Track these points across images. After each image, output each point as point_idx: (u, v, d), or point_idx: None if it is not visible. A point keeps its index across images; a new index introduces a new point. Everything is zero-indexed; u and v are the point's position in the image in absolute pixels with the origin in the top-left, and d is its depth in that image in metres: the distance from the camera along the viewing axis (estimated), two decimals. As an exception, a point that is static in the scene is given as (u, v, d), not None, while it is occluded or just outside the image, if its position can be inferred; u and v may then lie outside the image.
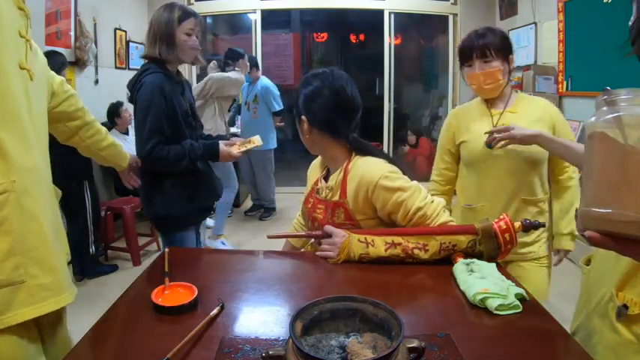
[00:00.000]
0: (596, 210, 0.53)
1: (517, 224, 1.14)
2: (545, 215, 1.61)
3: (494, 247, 1.13)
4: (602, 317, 0.82)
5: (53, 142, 3.05)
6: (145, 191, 1.79)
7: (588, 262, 0.96)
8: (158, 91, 1.61)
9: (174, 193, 1.74)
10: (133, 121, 3.80)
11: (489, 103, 1.62)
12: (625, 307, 0.75)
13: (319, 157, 1.44)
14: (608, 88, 0.57)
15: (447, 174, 1.73)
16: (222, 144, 1.77)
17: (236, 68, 3.73)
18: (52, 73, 1.22)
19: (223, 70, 3.72)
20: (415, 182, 1.24)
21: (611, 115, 0.55)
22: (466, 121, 1.65)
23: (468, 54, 1.55)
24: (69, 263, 1.13)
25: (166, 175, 1.73)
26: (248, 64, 3.93)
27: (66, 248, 1.09)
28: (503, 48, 1.51)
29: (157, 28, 1.65)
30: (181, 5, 1.69)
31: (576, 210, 0.60)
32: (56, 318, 1.04)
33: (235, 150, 1.80)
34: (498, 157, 1.52)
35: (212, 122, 3.57)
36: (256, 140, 1.89)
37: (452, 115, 1.75)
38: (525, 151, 1.47)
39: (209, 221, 3.73)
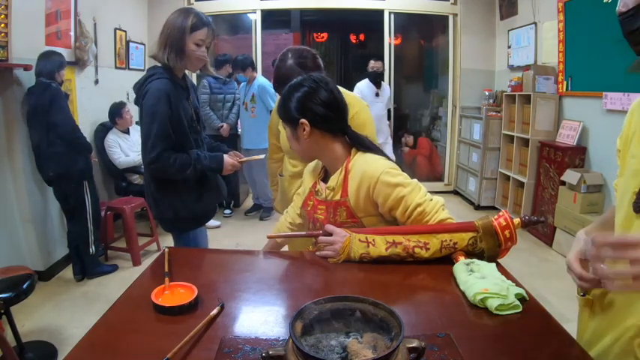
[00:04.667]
0: None
1: (516, 220, 1.15)
2: None
3: (495, 245, 1.14)
4: (625, 352, 0.76)
5: (54, 143, 3.05)
6: (151, 194, 1.81)
7: None
8: (164, 98, 1.62)
9: (180, 195, 1.76)
10: (134, 122, 3.82)
11: None
12: None
13: (314, 161, 1.45)
14: None
15: None
16: (226, 156, 1.80)
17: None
18: None
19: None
20: (415, 180, 1.25)
21: None
22: None
23: None
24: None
25: (172, 179, 1.75)
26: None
27: None
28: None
29: (169, 33, 1.65)
30: (197, 13, 1.68)
31: None
32: None
33: (237, 160, 1.84)
34: None
35: None
36: (260, 156, 2.03)
37: None
38: None
39: (210, 222, 3.73)
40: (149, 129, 1.63)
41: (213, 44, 1.91)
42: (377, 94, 4.48)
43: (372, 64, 4.47)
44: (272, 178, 2.20)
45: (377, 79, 4.48)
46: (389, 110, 4.91)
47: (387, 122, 4.81)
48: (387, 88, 4.69)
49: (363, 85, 4.48)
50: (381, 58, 4.67)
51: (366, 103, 1.78)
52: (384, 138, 4.48)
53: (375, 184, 1.21)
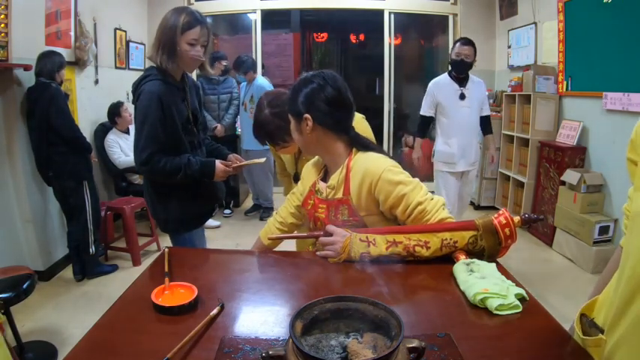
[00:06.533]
0: None
1: (516, 219, 1.15)
2: None
3: (495, 243, 1.14)
4: None
5: (54, 143, 3.06)
6: (148, 195, 1.81)
7: None
8: (156, 100, 1.60)
9: (175, 196, 1.76)
10: (133, 121, 3.81)
11: None
12: None
13: (313, 160, 1.46)
14: None
15: None
16: (218, 162, 1.75)
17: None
18: None
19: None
20: (416, 179, 1.26)
21: None
22: None
23: None
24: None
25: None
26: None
27: None
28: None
29: (162, 34, 1.62)
30: (191, 11, 1.63)
31: None
32: None
33: (233, 166, 1.79)
34: None
35: None
36: (260, 160, 1.96)
37: None
38: None
39: (209, 222, 3.74)
40: (140, 131, 1.62)
41: (213, 43, 1.89)
42: (462, 96, 3.01)
43: (459, 50, 2.94)
44: (287, 192, 2.11)
45: (464, 73, 2.99)
46: (486, 118, 3.20)
47: (479, 141, 3.27)
48: (478, 85, 3.11)
49: (441, 83, 3.09)
50: (470, 43, 2.98)
51: (362, 115, 1.68)
52: (466, 164, 3.18)
53: (377, 181, 1.22)
